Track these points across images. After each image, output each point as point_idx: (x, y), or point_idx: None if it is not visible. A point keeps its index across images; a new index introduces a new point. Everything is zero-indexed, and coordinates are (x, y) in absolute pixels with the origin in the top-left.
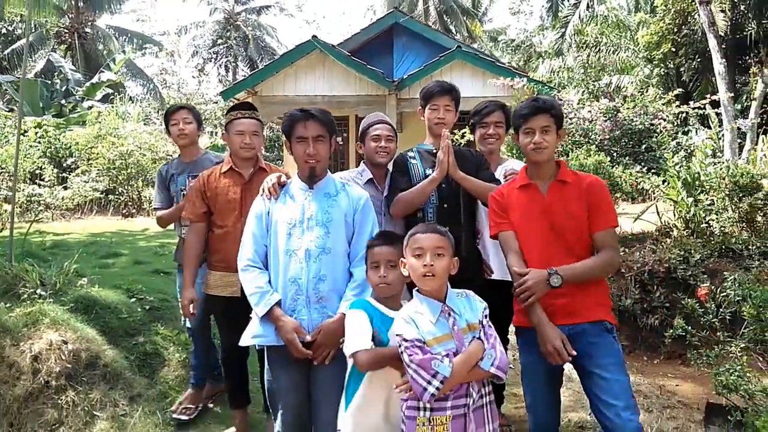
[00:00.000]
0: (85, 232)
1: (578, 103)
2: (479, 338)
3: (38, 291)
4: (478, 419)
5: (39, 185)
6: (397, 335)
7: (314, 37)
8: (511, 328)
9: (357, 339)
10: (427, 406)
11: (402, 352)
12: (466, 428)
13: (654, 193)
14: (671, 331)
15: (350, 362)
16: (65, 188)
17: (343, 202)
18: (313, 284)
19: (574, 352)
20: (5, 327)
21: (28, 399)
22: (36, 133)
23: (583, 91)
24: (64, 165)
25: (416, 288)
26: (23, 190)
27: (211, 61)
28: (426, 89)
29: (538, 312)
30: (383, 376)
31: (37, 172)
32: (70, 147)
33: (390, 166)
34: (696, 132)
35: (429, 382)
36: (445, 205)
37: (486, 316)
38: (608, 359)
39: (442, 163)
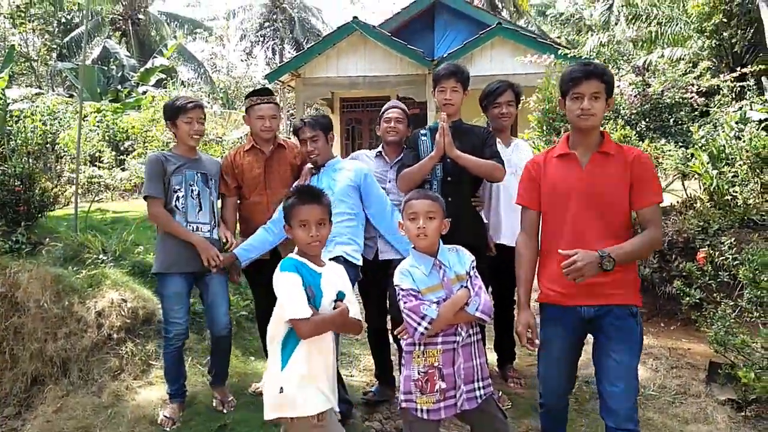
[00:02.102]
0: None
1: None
2: (466, 287)
3: (100, 257)
4: (466, 354)
5: (99, 167)
6: (395, 285)
7: (354, 18)
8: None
9: (296, 306)
10: (421, 342)
11: (399, 300)
12: (455, 361)
13: (680, 167)
14: (688, 298)
15: (288, 324)
16: (123, 170)
17: (347, 173)
18: None
19: (537, 342)
20: (73, 287)
21: (94, 349)
22: (95, 117)
23: (625, 68)
24: (122, 148)
25: (412, 246)
26: (84, 172)
27: (258, 44)
28: (434, 72)
29: (521, 295)
30: (322, 341)
31: (97, 154)
32: (127, 131)
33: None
34: (751, 105)
35: (419, 323)
36: (449, 179)
37: (473, 268)
38: (624, 345)
39: (437, 143)
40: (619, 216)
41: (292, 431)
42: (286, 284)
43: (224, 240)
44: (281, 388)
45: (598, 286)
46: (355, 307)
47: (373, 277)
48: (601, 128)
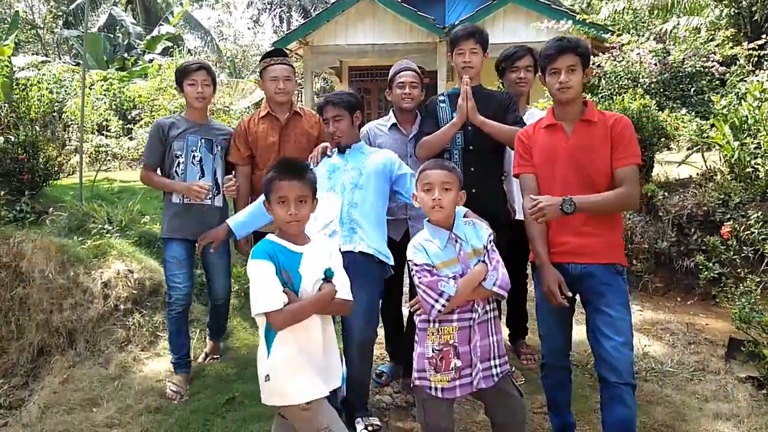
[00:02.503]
0: None
1: (627, 44)
2: (483, 261)
3: (106, 227)
4: (482, 331)
5: (106, 136)
6: (408, 260)
7: None
8: None
9: (265, 298)
10: (436, 319)
11: (413, 275)
12: (471, 338)
13: (694, 138)
14: (706, 273)
15: (260, 317)
16: (130, 139)
17: (375, 158)
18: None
19: (570, 294)
20: (78, 257)
21: (101, 320)
22: (101, 86)
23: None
24: (129, 117)
25: (427, 218)
26: (91, 141)
27: (265, 11)
28: (452, 34)
29: (541, 253)
30: (304, 328)
31: (104, 123)
32: (134, 99)
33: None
34: None
35: (436, 301)
36: (471, 147)
37: (491, 242)
38: (616, 299)
39: (460, 108)
40: (604, 180)
41: (285, 413)
42: (254, 274)
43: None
44: (267, 376)
45: (584, 246)
46: (345, 287)
47: (397, 257)
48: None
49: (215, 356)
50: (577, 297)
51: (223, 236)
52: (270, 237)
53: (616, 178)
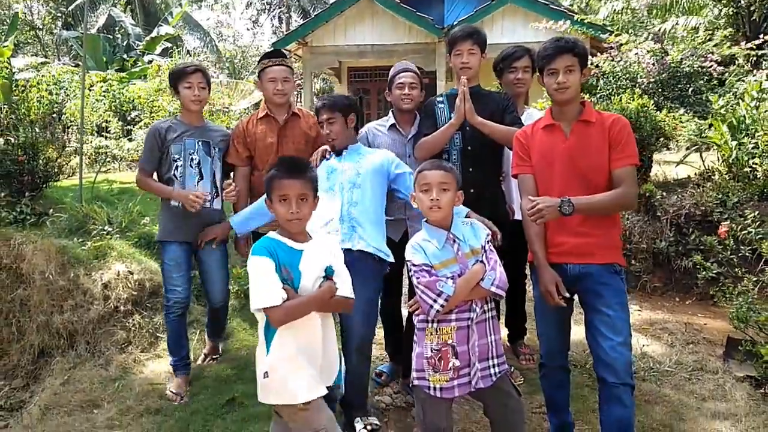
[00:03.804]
0: None
1: (625, 44)
2: (481, 261)
3: (106, 228)
4: (481, 331)
5: (106, 137)
6: (407, 260)
7: None
8: None
9: (264, 294)
10: (435, 318)
11: (411, 276)
12: (469, 338)
13: (693, 138)
14: (704, 272)
15: (259, 313)
16: (130, 140)
17: (372, 158)
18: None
19: (567, 295)
20: (78, 259)
21: (101, 321)
22: (101, 87)
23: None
24: (128, 118)
25: (425, 218)
26: (91, 142)
27: (264, 12)
28: (450, 35)
29: (539, 254)
30: (303, 326)
31: (104, 124)
32: (133, 100)
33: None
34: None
35: (435, 300)
36: (469, 148)
37: (488, 242)
38: (614, 299)
39: (458, 109)
40: (602, 180)
41: (281, 412)
42: (254, 270)
43: (228, 189)
44: (265, 373)
45: (582, 246)
46: (345, 284)
47: (399, 258)
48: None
49: (214, 356)
50: (576, 297)
51: (225, 233)
52: (271, 234)
53: (614, 178)
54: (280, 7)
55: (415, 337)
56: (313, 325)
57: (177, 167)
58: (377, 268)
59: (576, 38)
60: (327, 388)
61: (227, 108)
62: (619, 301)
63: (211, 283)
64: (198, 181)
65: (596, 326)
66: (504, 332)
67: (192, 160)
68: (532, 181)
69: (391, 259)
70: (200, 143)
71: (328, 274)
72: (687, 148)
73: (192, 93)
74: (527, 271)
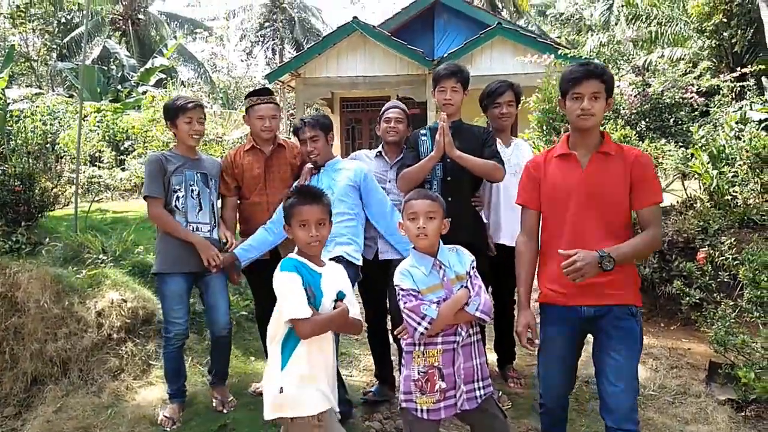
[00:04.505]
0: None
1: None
2: (466, 287)
3: (100, 257)
4: (466, 354)
5: (99, 167)
6: (395, 285)
7: (354, 18)
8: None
9: (296, 305)
10: (421, 342)
11: (399, 300)
12: (455, 361)
13: (680, 167)
14: (687, 298)
15: (288, 324)
16: (123, 170)
17: (347, 173)
18: None
19: (537, 342)
20: (73, 287)
21: (94, 349)
22: (95, 117)
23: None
24: (122, 148)
25: (412, 246)
26: (84, 172)
27: (258, 44)
28: (434, 72)
29: (522, 296)
30: (322, 341)
31: (97, 154)
32: (127, 131)
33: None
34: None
35: (419, 323)
36: (449, 179)
37: (473, 268)
38: (624, 344)
39: (437, 144)
40: (619, 216)
41: (292, 429)
42: (285, 284)
43: (224, 240)
44: (281, 388)
45: (598, 287)
46: (355, 307)
47: (373, 277)
48: (601, 128)
49: (230, 399)
50: (586, 337)
51: (230, 262)
52: (292, 256)
53: (640, 218)
54: (273, 40)
55: (402, 360)
56: (328, 343)
57: (178, 198)
58: (349, 269)
59: (604, 65)
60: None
61: (220, 138)
62: (628, 346)
63: (217, 310)
64: (198, 212)
65: (603, 369)
66: (493, 357)
67: (192, 191)
68: (534, 217)
69: (359, 262)
70: (198, 174)
71: (340, 297)
72: (673, 177)
73: (192, 128)
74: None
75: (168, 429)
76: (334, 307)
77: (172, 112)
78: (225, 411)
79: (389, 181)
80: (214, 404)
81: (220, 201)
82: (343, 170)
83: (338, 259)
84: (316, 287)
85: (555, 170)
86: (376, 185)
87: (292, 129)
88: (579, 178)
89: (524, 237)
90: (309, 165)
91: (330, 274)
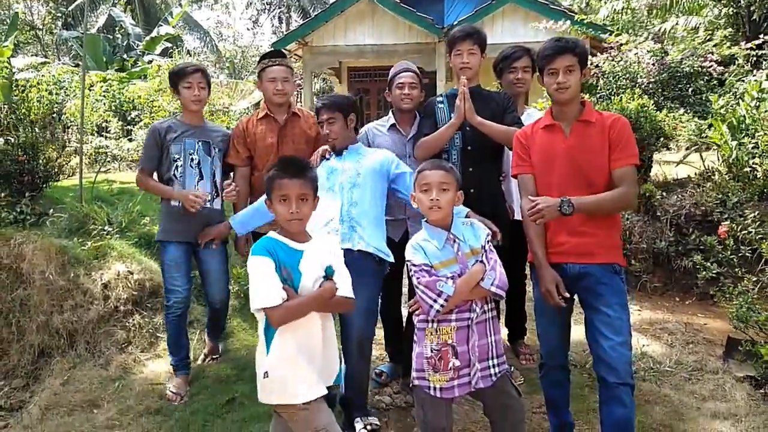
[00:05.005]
0: None
1: (626, 44)
2: (481, 261)
3: (106, 228)
4: (481, 331)
5: (106, 137)
6: (407, 261)
7: None
8: None
9: (264, 294)
10: (435, 318)
11: (411, 276)
12: (469, 338)
13: (693, 138)
14: (704, 272)
15: (260, 313)
16: (130, 140)
17: (374, 157)
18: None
19: (567, 295)
20: (78, 259)
21: (101, 321)
22: (101, 87)
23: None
24: (128, 118)
25: (425, 218)
26: (91, 142)
27: (264, 12)
28: (449, 36)
29: (539, 254)
30: (300, 327)
31: (104, 125)
32: (133, 100)
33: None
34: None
35: (435, 300)
36: (469, 147)
37: (488, 242)
38: (614, 299)
39: (458, 109)
40: (603, 180)
41: (281, 412)
42: (253, 270)
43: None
44: (266, 373)
45: (582, 246)
46: (345, 284)
47: (399, 258)
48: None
49: (214, 356)
50: (576, 297)
51: (225, 233)
52: (271, 234)
53: (614, 178)
54: (280, 7)
55: (415, 337)
56: (313, 325)
57: (177, 167)
58: (377, 268)
59: (576, 38)
60: (327, 388)
61: (227, 108)
62: (618, 301)
63: (211, 283)
64: (198, 181)
65: (596, 326)
66: (504, 332)
67: (192, 159)
68: (532, 181)
69: (391, 259)
70: (200, 143)
71: (328, 274)
72: (687, 148)
73: (192, 93)
74: (527, 271)
75: (176, 403)
76: (321, 286)
77: (174, 78)
78: (204, 363)
79: (408, 156)
80: (200, 357)
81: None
82: (369, 156)
83: (368, 255)
84: (294, 267)
85: (541, 140)
86: (404, 165)
87: (314, 109)
88: (563, 146)
89: (527, 200)
90: (324, 147)
91: (314, 250)
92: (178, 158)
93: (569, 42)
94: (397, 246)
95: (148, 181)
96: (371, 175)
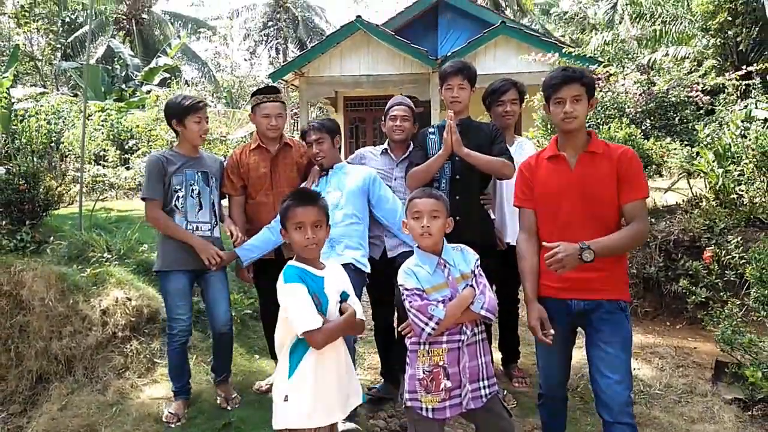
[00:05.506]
0: None
1: (613, 75)
2: (471, 285)
3: (105, 255)
4: (471, 353)
5: (103, 166)
6: (399, 285)
7: (358, 17)
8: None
9: (306, 318)
10: (426, 341)
11: (404, 300)
12: (460, 360)
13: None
14: (693, 297)
15: (298, 335)
16: (127, 168)
17: (355, 176)
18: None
19: (552, 332)
20: (77, 285)
21: (99, 347)
22: (99, 116)
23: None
24: (126, 147)
25: (417, 245)
26: (89, 170)
27: (262, 43)
28: (441, 70)
29: (528, 290)
30: (333, 347)
31: (101, 153)
32: (131, 130)
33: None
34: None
35: (426, 324)
36: (458, 177)
37: (478, 266)
38: (616, 337)
39: (445, 141)
40: (610, 212)
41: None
42: (291, 296)
43: (229, 234)
44: (286, 396)
45: (588, 282)
46: (358, 307)
47: (379, 275)
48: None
49: (234, 396)
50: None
51: (230, 261)
52: (292, 263)
53: (625, 213)
54: (277, 39)
55: (407, 359)
56: (338, 348)
57: (178, 198)
58: (358, 277)
59: (583, 68)
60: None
61: (224, 137)
62: (619, 339)
63: (218, 306)
64: (198, 211)
65: (594, 362)
66: (498, 356)
67: (192, 190)
68: (532, 216)
69: (368, 270)
70: (199, 173)
71: (343, 298)
72: (679, 175)
73: (201, 128)
74: (521, 296)
75: (173, 426)
76: (339, 309)
77: (181, 111)
78: (229, 408)
79: (395, 179)
80: (218, 401)
81: (225, 200)
82: (351, 174)
83: (348, 266)
84: (321, 293)
85: (546, 172)
86: (384, 186)
87: (300, 133)
88: (569, 178)
89: (524, 234)
90: (315, 168)
91: (331, 276)
92: (179, 189)
93: (576, 71)
94: (379, 264)
95: (167, 221)
96: (353, 196)
